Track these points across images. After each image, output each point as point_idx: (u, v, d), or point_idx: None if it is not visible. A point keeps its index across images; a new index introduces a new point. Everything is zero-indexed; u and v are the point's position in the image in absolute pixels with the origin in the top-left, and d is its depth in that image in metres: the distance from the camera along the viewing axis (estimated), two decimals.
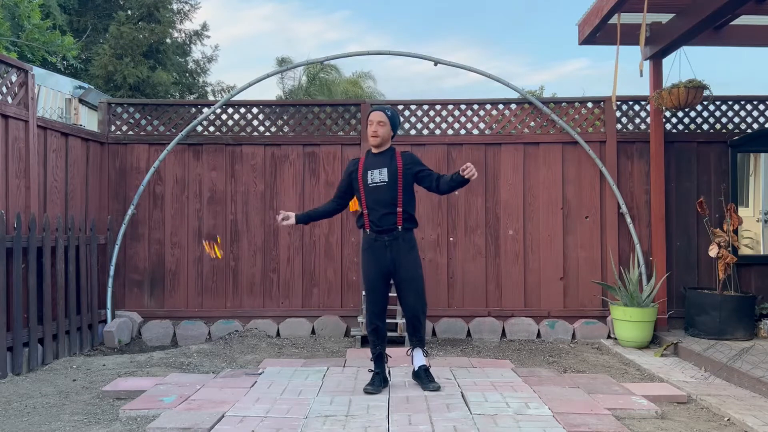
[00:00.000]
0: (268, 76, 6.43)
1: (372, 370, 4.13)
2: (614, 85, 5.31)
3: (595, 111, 6.38)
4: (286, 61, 18.77)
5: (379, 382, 4.05)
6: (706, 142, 6.21)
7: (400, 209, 3.99)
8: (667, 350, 5.32)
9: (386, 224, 3.98)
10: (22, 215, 4.90)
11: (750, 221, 6.21)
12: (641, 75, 5.76)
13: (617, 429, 3.28)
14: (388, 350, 4.19)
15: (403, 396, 3.87)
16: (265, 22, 45.86)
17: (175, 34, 17.87)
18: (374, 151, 4.11)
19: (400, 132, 6.21)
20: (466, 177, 3.82)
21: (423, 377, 4.07)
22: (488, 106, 6.36)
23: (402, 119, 6.35)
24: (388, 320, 4.27)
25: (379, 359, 4.11)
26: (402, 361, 4.60)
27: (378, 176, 4.01)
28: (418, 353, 4.13)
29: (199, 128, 6.34)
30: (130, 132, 6.39)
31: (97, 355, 5.46)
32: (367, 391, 3.98)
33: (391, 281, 4.12)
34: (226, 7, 41.99)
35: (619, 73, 5.39)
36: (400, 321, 5.60)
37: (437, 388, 3.98)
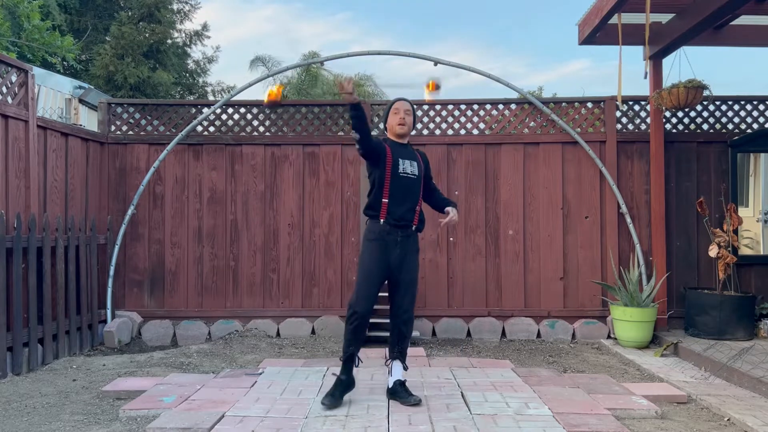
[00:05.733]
0: (268, 76, 6.45)
1: (336, 375, 3.75)
2: (619, 85, 5.31)
3: (595, 111, 6.37)
4: (261, 59, 19.07)
5: (342, 390, 3.68)
6: (706, 142, 6.20)
7: (419, 208, 3.79)
8: (667, 350, 5.32)
9: (405, 220, 3.70)
10: (22, 215, 4.90)
11: (750, 221, 6.21)
12: (645, 77, 5.77)
13: (617, 429, 3.28)
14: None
15: None
16: (268, 23, 45.95)
17: (176, 35, 17.88)
18: (397, 141, 3.80)
19: None
20: (443, 221, 3.81)
21: (401, 392, 3.71)
22: (488, 106, 6.36)
23: None
24: None
25: (350, 361, 3.69)
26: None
27: (410, 168, 3.72)
28: (397, 367, 3.76)
29: (199, 128, 6.34)
30: (130, 132, 6.39)
31: (97, 355, 5.46)
32: (325, 405, 3.58)
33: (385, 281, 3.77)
34: (229, 9, 42.05)
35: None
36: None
37: (418, 402, 3.65)
